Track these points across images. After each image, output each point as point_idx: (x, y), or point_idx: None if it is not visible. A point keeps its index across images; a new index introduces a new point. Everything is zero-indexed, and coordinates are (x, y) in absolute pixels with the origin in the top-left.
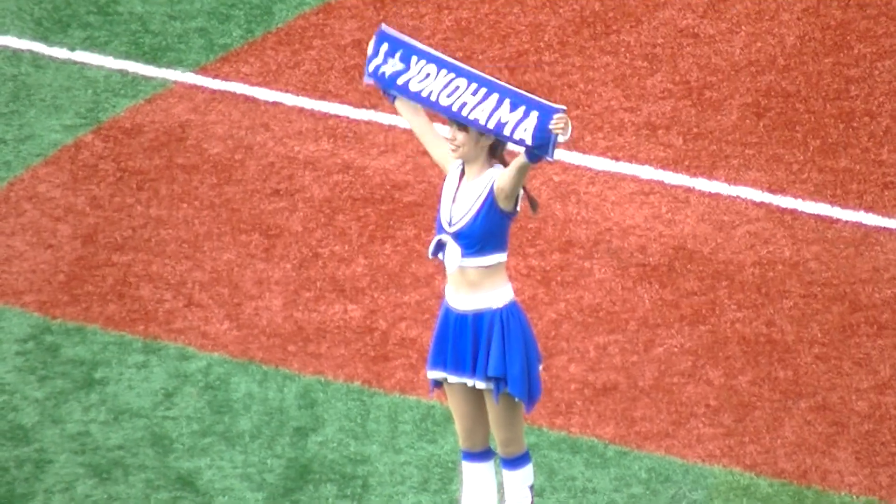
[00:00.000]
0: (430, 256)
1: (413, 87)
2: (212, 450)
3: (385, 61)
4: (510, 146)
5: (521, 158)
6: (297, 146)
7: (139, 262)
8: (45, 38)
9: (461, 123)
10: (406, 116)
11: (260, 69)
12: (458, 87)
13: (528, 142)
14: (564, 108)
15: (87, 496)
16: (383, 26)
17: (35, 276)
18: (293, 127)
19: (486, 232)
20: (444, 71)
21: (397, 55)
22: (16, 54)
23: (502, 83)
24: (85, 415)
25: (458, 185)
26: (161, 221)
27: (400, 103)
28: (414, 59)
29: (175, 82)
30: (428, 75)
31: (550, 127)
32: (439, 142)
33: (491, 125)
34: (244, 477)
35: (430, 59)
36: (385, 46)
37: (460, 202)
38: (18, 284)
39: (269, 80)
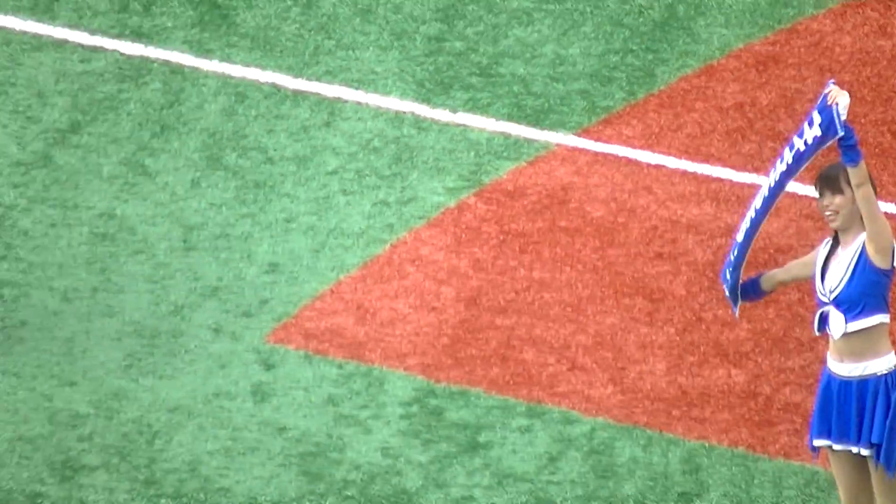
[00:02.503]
0: (817, 333)
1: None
2: None
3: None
4: None
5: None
6: (680, 209)
7: (522, 325)
8: (427, 100)
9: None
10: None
11: (642, 131)
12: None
13: (819, 134)
14: (832, 80)
15: None
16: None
17: (419, 338)
18: (675, 190)
19: (864, 292)
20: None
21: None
22: (398, 116)
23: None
24: (469, 479)
25: (831, 258)
26: (544, 284)
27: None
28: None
29: (557, 144)
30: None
31: (828, 104)
32: (796, 266)
33: (799, 156)
34: None
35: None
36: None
37: (834, 270)
38: (402, 347)
39: (651, 142)
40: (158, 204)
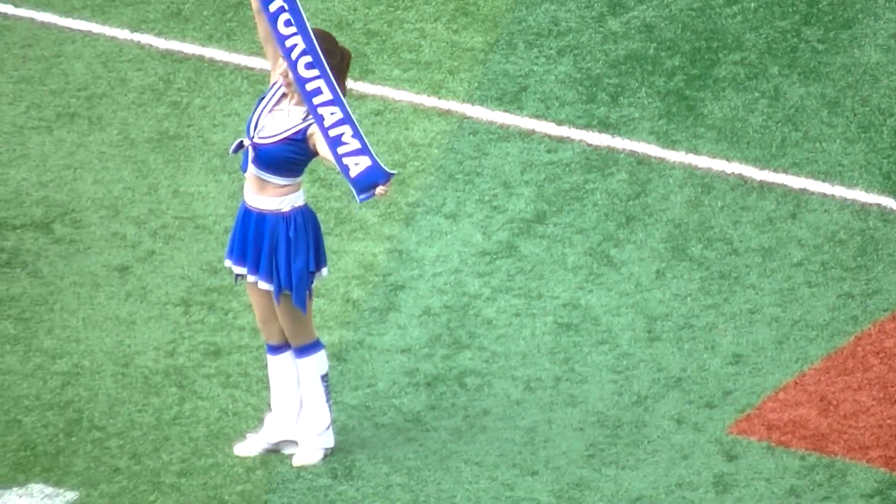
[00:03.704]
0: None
1: (281, 29)
2: None
3: None
4: None
5: None
6: None
7: None
8: (893, 193)
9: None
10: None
11: None
12: (315, 73)
13: (352, 175)
14: (395, 173)
15: None
16: None
17: (882, 430)
18: None
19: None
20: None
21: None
22: (864, 208)
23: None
24: None
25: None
26: None
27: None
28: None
29: None
30: (295, 44)
31: (377, 190)
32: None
33: (331, 134)
34: None
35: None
36: None
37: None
38: (865, 439)
39: None
40: (623, 294)
